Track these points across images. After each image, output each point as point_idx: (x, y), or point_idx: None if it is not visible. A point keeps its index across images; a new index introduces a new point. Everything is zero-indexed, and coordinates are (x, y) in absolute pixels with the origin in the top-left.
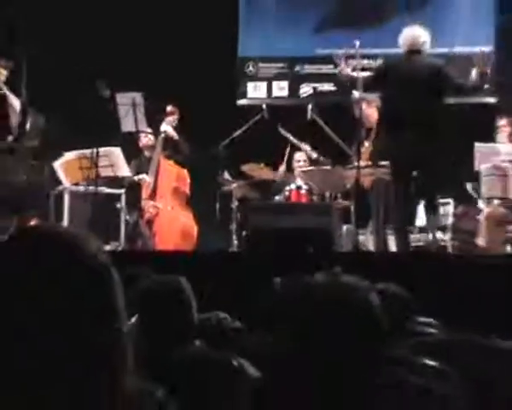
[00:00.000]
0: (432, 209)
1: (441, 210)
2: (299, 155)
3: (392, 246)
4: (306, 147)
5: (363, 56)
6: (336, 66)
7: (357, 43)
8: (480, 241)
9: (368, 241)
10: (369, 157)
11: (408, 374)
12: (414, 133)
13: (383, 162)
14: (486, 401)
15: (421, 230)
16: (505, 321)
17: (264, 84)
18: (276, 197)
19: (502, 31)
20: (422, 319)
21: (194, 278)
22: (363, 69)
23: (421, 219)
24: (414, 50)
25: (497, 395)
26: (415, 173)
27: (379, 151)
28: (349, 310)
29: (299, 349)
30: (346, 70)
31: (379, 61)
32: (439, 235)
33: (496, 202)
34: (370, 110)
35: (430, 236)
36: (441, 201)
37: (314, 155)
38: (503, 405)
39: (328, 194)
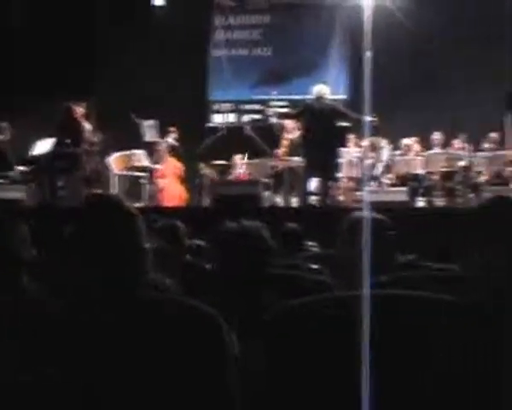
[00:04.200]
0: (323, 183)
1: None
2: (239, 156)
3: (294, 204)
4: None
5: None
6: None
7: (274, 92)
8: (341, 198)
9: (279, 201)
10: (287, 153)
11: (303, 272)
12: (321, 143)
13: (295, 158)
14: None
15: (312, 194)
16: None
17: (221, 115)
18: (229, 177)
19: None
20: (309, 243)
21: (185, 221)
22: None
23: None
24: (319, 97)
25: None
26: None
27: (295, 150)
28: (247, 240)
29: (218, 268)
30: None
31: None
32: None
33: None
34: (291, 125)
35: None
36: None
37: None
38: None
39: (257, 175)
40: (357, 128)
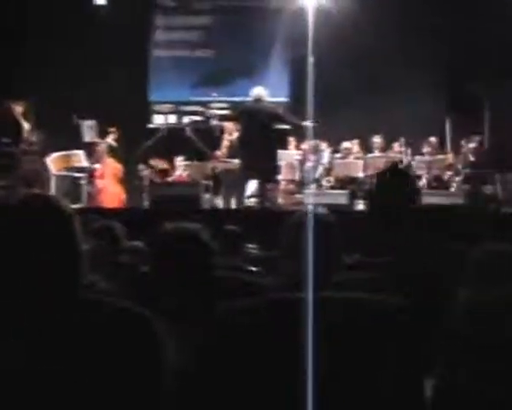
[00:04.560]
0: (261, 185)
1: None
2: (180, 158)
3: (233, 205)
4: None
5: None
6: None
7: (214, 94)
8: (280, 201)
9: (219, 203)
10: (227, 155)
11: (241, 273)
12: (258, 145)
13: (234, 160)
14: None
15: (251, 196)
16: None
17: (162, 116)
18: (170, 179)
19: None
20: (249, 245)
21: (122, 222)
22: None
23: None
24: (258, 99)
25: None
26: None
27: (235, 151)
28: (186, 242)
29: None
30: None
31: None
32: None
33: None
34: (231, 126)
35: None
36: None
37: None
38: None
39: (197, 177)
40: (298, 131)
